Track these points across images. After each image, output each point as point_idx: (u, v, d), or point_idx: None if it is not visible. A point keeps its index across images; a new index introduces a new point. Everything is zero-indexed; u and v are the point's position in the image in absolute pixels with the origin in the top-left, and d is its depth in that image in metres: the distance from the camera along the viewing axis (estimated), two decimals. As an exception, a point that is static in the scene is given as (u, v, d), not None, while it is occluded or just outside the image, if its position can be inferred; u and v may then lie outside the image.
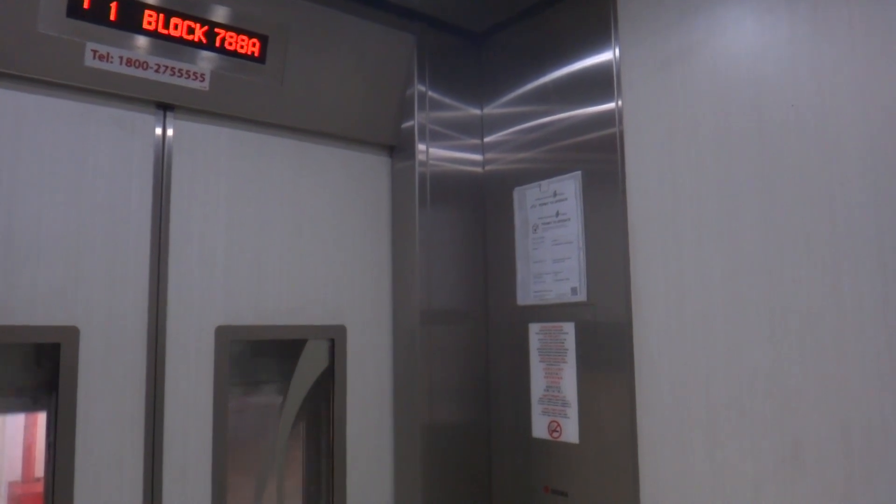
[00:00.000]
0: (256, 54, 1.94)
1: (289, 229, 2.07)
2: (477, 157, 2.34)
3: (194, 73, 1.86)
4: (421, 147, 2.21)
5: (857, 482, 1.40)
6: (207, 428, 1.86)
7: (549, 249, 2.05)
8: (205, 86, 1.88)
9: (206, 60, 1.87)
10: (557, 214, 2.04)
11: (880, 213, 1.40)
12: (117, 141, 1.80)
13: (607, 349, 1.87)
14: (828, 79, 1.49)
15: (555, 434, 1.99)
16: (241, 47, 1.92)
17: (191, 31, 1.84)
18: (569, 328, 1.97)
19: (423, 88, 2.24)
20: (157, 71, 1.80)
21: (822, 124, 1.49)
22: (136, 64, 1.77)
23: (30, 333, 1.64)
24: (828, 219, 1.47)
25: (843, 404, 1.43)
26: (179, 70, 1.84)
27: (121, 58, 1.75)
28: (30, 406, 1.74)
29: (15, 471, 1.87)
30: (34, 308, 1.64)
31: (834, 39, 1.48)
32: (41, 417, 1.75)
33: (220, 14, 1.87)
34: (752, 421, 1.57)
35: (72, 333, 1.68)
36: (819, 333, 1.47)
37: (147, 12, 1.76)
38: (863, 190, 1.42)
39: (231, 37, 1.90)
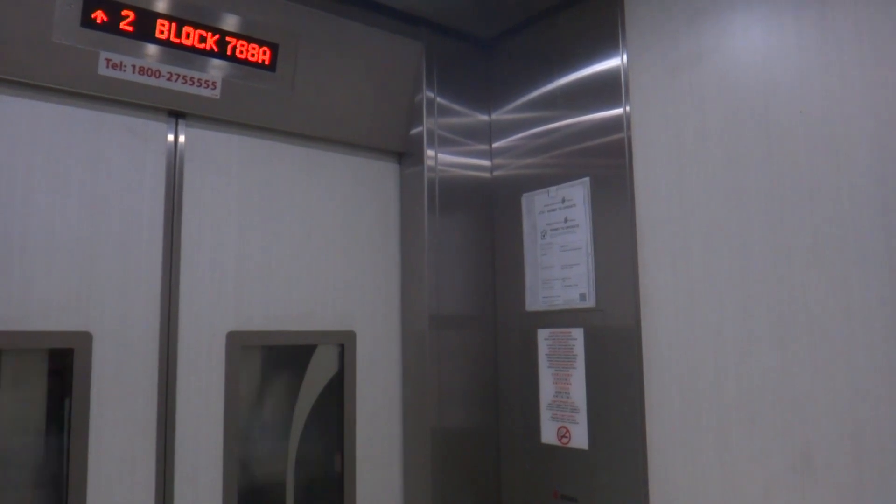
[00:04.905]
0: (267, 62, 1.96)
1: (299, 235, 2.09)
2: (485, 162, 2.35)
3: (206, 82, 1.88)
4: (429, 153, 2.22)
5: (868, 487, 1.39)
6: (219, 432, 1.87)
7: (558, 255, 2.05)
8: (216, 94, 1.90)
9: (218, 69, 1.89)
10: (566, 220, 2.04)
11: (889, 217, 1.40)
12: (130, 148, 1.82)
13: (616, 355, 1.87)
14: (836, 84, 1.49)
15: (564, 440, 1.99)
16: (252, 55, 1.94)
17: (202, 39, 1.86)
18: (577, 334, 1.98)
19: (431, 95, 2.25)
20: (169, 79, 1.82)
21: (830, 129, 1.50)
22: (149, 72, 1.79)
23: (44, 339, 1.66)
24: (836, 223, 1.47)
25: (853, 409, 1.42)
26: (191, 78, 1.86)
27: (134, 66, 1.77)
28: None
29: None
30: (48, 314, 1.66)
31: (842, 45, 1.49)
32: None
33: (231, 23, 1.89)
34: (762, 426, 1.56)
35: (85, 339, 1.70)
36: (828, 338, 1.47)
37: (160, 21, 1.79)
38: (871, 195, 1.42)
39: (242, 45, 1.92)
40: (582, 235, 1.99)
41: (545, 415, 2.06)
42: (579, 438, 1.95)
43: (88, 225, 1.74)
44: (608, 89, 1.96)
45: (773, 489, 1.54)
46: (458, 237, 2.25)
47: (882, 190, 1.41)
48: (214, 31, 1.87)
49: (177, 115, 1.90)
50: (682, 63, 1.79)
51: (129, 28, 1.75)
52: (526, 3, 2.16)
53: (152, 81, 1.80)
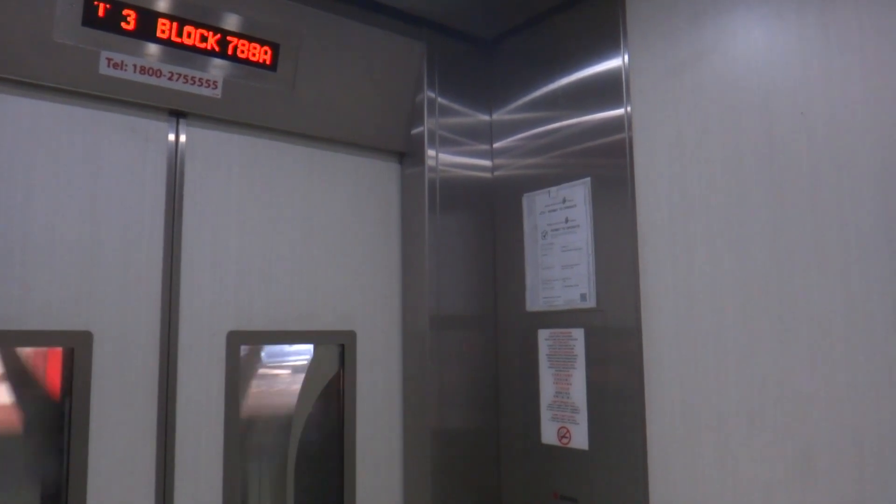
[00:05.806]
0: (268, 62, 1.96)
1: (299, 235, 2.09)
2: (486, 162, 2.35)
3: (207, 81, 1.88)
4: (430, 153, 2.22)
5: (869, 489, 1.39)
6: (219, 431, 1.87)
7: (559, 256, 2.05)
8: (217, 93, 1.90)
9: (219, 68, 1.89)
10: (567, 221, 2.04)
11: (890, 218, 1.39)
12: (131, 148, 1.82)
13: (616, 355, 1.87)
14: (837, 85, 1.49)
15: (564, 440, 1.99)
16: (253, 55, 1.93)
17: (204, 39, 1.86)
18: (578, 334, 1.97)
19: (432, 95, 2.25)
20: (170, 79, 1.82)
21: (831, 131, 1.49)
22: (150, 72, 1.79)
23: (44, 338, 1.66)
24: (838, 225, 1.47)
25: (854, 411, 1.42)
26: (192, 78, 1.85)
27: (135, 66, 1.77)
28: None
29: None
30: (48, 313, 1.66)
31: (843, 46, 1.48)
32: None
33: (232, 22, 1.89)
34: (763, 427, 1.56)
35: (85, 338, 1.70)
36: (829, 339, 1.47)
37: (161, 21, 1.78)
38: (872, 196, 1.42)
39: (243, 45, 1.92)
40: (583, 236, 1.99)
41: (545, 415, 2.06)
42: (579, 439, 1.95)
43: (89, 224, 1.74)
44: (609, 89, 1.95)
45: (774, 490, 1.54)
46: (459, 237, 2.25)
47: (883, 191, 1.41)
48: (215, 30, 1.87)
49: (178, 115, 1.90)
50: (683, 63, 1.78)
51: (131, 27, 1.75)
52: (527, 3, 2.16)
53: (153, 81, 1.80)
